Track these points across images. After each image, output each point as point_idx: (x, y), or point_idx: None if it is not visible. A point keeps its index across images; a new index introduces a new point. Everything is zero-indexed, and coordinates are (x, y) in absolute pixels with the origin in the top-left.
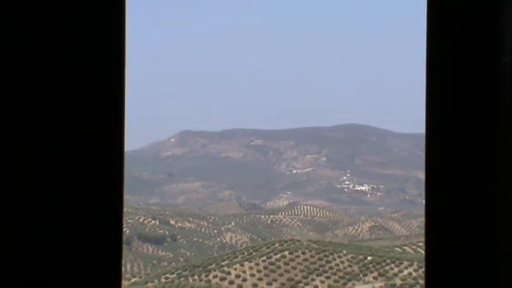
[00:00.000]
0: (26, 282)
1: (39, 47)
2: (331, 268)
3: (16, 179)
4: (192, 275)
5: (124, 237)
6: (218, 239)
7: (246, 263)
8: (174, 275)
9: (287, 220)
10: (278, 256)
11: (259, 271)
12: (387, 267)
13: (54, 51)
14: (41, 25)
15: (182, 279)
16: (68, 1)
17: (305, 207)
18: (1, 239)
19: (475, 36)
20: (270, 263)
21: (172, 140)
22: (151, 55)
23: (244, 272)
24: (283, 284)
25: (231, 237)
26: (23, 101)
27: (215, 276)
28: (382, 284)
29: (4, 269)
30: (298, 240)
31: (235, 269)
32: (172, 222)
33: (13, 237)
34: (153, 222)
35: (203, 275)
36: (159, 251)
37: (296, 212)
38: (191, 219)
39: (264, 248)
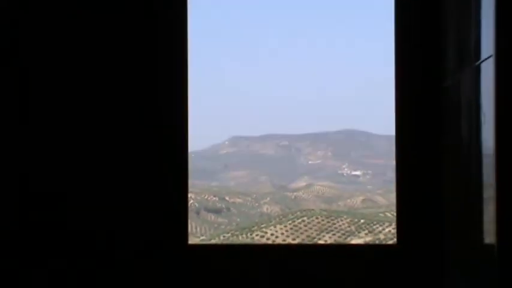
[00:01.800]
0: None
1: (112, 54)
2: (336, 228)
3: (112, 176)
4: (241, 234)
5: (194, 209)
6: (258, 210)
7: (278, 226)
8: (228, 234)
9: (305, 196)
10: (299, 220)
11: (286, 231)
12: (374, 227)
13: (125, 62)
14: (116, 32)
15: (234, 237)
16: (135, 9)
17: (317, 186)
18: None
19: (429, 51)
20: (294, 225)
21: (226, 142)
22: (205, 77)
23: (276, 231)
24: (303, 240)
25: (267, 208)
26: (101, 103)
27: (257, 235)
28: (371, 238)
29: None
30: (313, 209)
31: (271, 230)
32: (227, 198)
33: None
34: (214, 198)
35: (248, 234)
36: (218, 219)
37: (311, 190)
38: (240, 196)
39: (289, 215)
